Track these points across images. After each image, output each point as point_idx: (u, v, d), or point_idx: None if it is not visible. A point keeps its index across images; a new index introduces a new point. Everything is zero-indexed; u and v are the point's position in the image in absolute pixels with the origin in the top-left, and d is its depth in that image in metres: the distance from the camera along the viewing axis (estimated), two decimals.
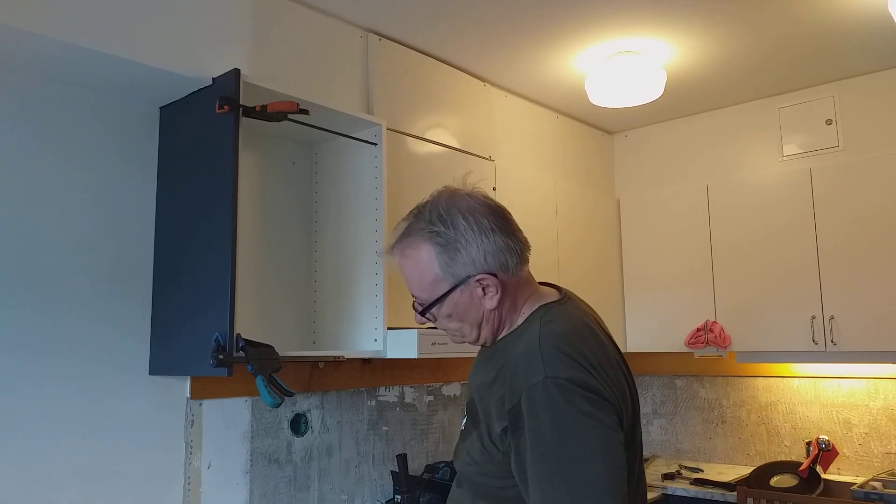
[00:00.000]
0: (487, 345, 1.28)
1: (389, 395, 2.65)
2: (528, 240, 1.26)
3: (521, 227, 1.25)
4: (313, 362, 2.34)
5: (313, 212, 2.44)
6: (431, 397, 2.81)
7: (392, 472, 2.55)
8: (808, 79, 2.98)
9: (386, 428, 2.61)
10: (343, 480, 2.44)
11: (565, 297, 1.29)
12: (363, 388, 2.54)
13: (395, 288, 2.28)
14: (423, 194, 2.41)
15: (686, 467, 3.20)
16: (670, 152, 3.48)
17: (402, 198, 2.37)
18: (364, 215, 2.27)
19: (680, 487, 2.93)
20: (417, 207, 1.24)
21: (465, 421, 1.29)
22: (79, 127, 1.92)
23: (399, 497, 2.38)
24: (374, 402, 2.58)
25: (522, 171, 2.95)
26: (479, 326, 1.24)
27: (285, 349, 1.88)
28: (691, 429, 3.50)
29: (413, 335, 2.13)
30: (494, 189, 2.76)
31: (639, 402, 1.27)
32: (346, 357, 2.14)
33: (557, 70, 2.81)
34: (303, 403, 2.35)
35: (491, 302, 1.21)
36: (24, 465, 1.75)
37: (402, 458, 2.39)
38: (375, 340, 2.19)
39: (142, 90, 1.95)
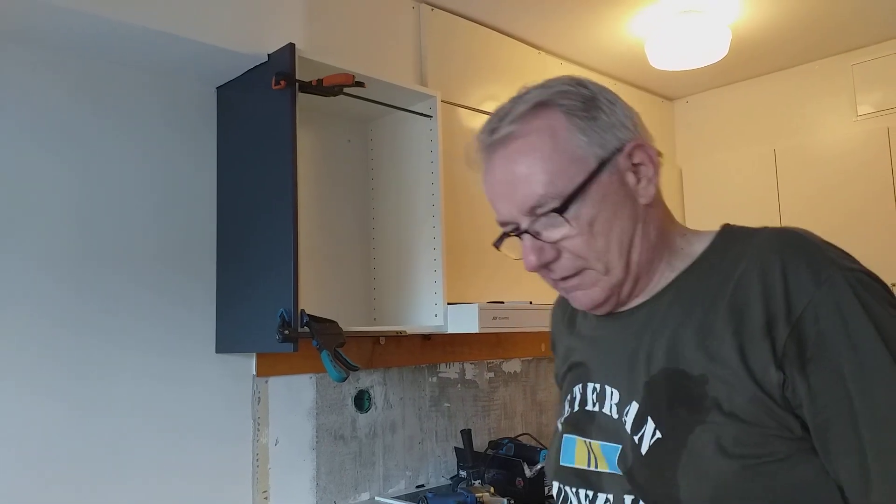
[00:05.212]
0: (622, 295, 0.83)
1: (450, 371, 2.63)
2: None
3: None
4: (374, 338, 2.34)
5: (370, 188, 2.42)
6: (492, 374, 2.78)
7: (455, 448, 2.53)
8: (885, 32, 2.80)
9: (448, 404, 2.60)
10: (407, 456, 2.44)
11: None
12: (423, 365, 2.53)
13: (454, 262, 2.25)
14: None
15: None
16: (734, 117, 3.33)
17: (458, 171, 2.33)
18: (420, 190, 2.24)
19: None
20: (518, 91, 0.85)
21: None
22: (138, 108, 1.94)
23: (464, 472, 2.37)
24: (435, 379, 2.57)
25: None
26: (627, 248, 0.82)
27: (347, 325, 1.87)
28: None
29: (474, 309, 2.10)
30: None
31: None
32: (408, 332, 2.13)
33: (614, 34, 2.70)
34: (366, 380, 2.35)
35: (647, 190, 0.82)
36: (96, 445, 1.79)
37: (466, 434, 2.38)
38: (436, 315, 2.17)
39: (198, 69, 1.95)
